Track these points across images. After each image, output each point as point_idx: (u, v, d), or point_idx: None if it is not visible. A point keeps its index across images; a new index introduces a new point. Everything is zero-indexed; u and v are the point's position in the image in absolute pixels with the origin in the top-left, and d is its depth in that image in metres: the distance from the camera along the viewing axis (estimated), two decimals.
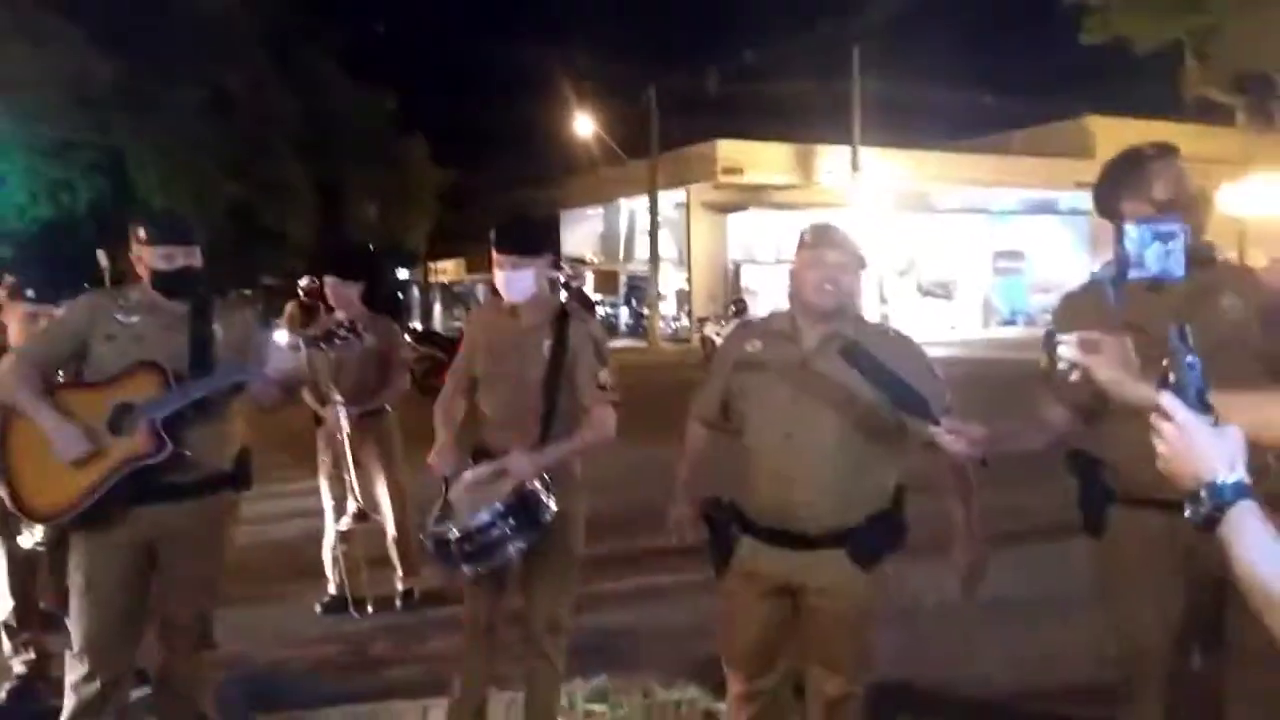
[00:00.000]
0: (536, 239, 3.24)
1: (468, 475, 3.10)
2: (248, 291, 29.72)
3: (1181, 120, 31.70)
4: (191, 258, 3.03)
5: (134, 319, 2.97)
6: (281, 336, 3.02)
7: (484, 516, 2.85)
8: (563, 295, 11.73)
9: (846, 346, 2.41)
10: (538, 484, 2.93)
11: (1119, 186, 2.45)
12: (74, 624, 2.94)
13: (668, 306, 31.61)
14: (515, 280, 3.11)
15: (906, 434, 2.58)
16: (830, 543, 2.56)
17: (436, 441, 3.16)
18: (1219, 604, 2.32)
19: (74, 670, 2.92)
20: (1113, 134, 33.92)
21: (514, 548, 2.88)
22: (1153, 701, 2.43)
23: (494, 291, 3.23)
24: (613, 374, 3.13)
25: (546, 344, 3.11)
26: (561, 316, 3.17)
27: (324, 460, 5.06)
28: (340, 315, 4.92)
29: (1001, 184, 32.09)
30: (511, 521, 2.86)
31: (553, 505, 2.94)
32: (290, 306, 12.03)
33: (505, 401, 3.15)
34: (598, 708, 3.65)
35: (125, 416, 2.85)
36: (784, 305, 2.78)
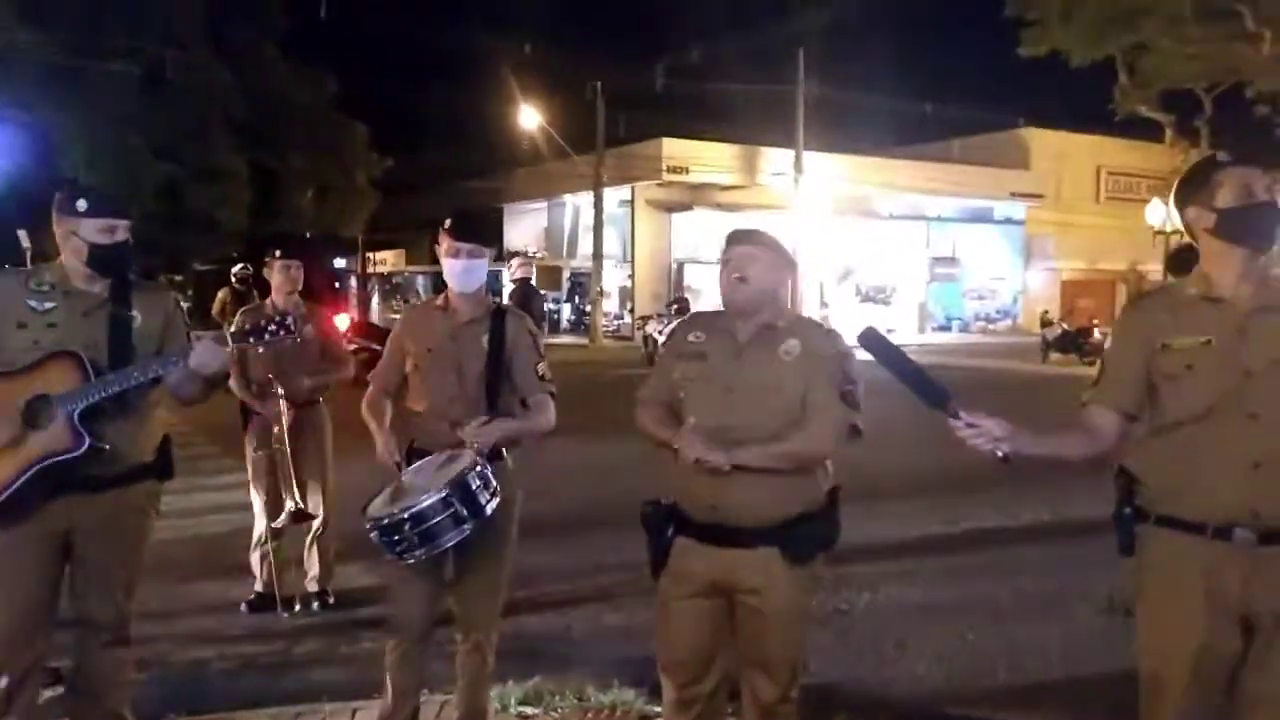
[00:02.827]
0: (488, 231, 3.34)
1: (417, 464, 3.08)
2: (178, 277, 28.93)
3: (1114, 134, 32.70)
4: (127, 232, 2.91)
5: (48, 305, 2.83)
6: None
7: (427, 501, 2.81)
8: (509, 287, 11.62)
9: (863, 335, 2.35)
10: (478, 477, 2.89)
11: (1185, 194, 2.37)
12: None
13: (611, 304, 31.61)
14: (472, 269, 3.19)
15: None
16: (762, 540, 2.57)
17: (375, 438, 3.16)
18: (1243, 641, 2.25)
19: None
20: (1047, 145, 34.94)
21: (455, 535, 2.85)
22: None
23: (435, 287, 3.22)
24: (549, 368, 3.26)
25: (485, 337, 3.16)
26: (497, 312, 3.24)
27: (257, 455, 4.92)
28: (278, 300, 4.81)
29: (939, 191, 32.78)
30: (453, 509, 2.83)
31: (495, 498, 2.92)
32: (222, 293, 11.75)
33: (448, 395, 3.15)
34: (531, 710, 3.60)
35: (41, 409, 2.72)
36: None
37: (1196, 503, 2.24)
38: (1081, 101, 30.13)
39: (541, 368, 3.22)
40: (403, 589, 3.12)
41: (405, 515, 2.81)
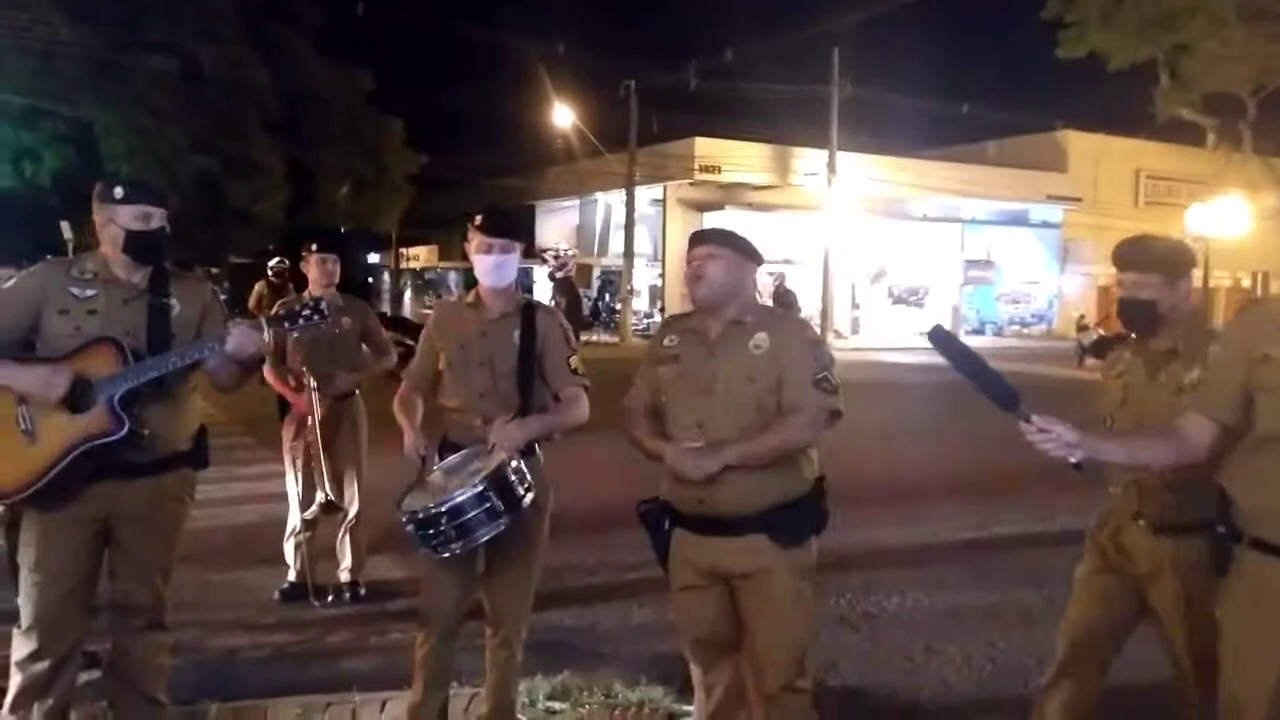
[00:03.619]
0: (519, 225, 3.34)
1: (450, 458, 3.09)
2: (215, 270, 29.31)
3: (1153, 138, 32.19)
4: (164, 220, 2.96)
5: (89, 292, 2.88)
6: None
7: (463, 495, 2.82)
8: (550, 286, 11.65)
9: (933, 333, 2.34)
10: (513, 472, 2.90)
11: None
12: (23, 601, 2.86)
13: (640, 302, 31.62)
14: (503, 264, 3.19)
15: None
16: (750, 527, 2.65)
17: (405, 433, 3.16)
18: None
19: (22, 648, 2.84)
20: (1085, 148, 34.48)
21: (491, 529, 2.86)
22: None
23: (466, 282, 3.25)
24: (580, 361, 3.27)
25: (516, 333, 3.17)
26: (528, 306, 3.25)
27: (293, 446, 4.97)
28: (317, 292, 4.84)
29: (975, 194, 32.41)
30: (489, 503, 2.83)
31: (530, 492, 2.93)
32: (259, 286, 11.87)
33: (479, 391, 3.15)
34: (559, 706, 3.61)
35: (83, 393, 2.77)
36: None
37: None
38: (1120, 104, 29.65)
39: (574, 361, 3.23)
40: (435, 582, 3.14)
41: (443, 509, 2.81)
